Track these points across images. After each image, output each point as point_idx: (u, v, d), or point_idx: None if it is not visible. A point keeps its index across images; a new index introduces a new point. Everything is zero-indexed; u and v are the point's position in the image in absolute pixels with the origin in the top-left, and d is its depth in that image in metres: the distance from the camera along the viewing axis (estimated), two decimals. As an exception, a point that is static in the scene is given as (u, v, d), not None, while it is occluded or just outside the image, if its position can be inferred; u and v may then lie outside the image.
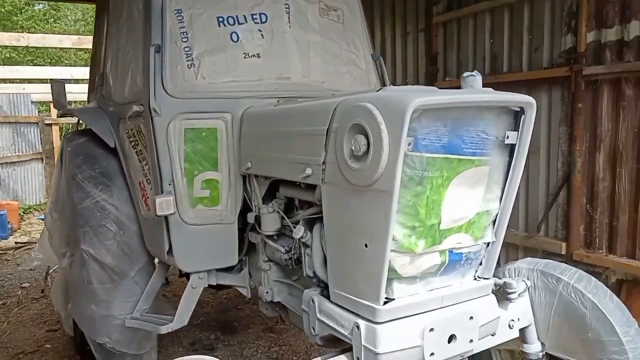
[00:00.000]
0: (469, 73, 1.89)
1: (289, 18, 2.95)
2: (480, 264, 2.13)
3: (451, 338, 1.94)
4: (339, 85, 3.03)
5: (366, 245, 1.85)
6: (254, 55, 2.85)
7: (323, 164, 2.02)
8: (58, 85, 3.82)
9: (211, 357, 1.81)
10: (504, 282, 2.41)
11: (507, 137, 1.94)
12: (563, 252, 3.93)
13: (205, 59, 2.76)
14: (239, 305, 4.94)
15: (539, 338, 2.53)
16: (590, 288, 2.39)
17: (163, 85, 2.66)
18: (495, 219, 2.08)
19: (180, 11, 2.73)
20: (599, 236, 3.79)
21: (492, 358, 2.84)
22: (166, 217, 2.77)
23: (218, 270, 3.04)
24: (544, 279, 2.49)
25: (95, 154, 3.30)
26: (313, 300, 2.19)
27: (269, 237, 2.68)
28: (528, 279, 2.53)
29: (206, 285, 3.01)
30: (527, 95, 1.92)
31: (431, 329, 1.88)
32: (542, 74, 3.94)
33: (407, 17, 5.34)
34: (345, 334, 1.97)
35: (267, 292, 2.86)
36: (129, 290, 3.14)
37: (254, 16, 2.86)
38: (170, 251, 2.83)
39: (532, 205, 4.26)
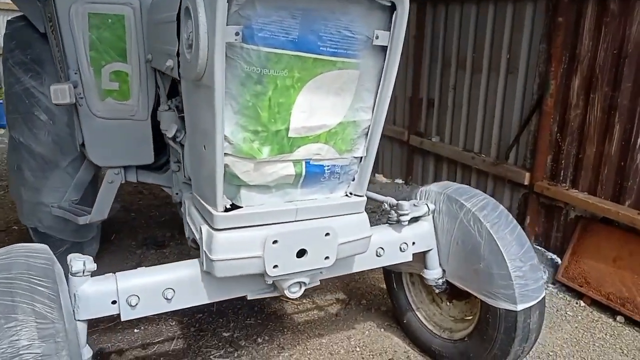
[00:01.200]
0: None
1: None
2: (353, 179, 1.96)
3: (302, 252, 1.83)
4: None
5: (205, 148, 1.72)
6: None
7: (177, 54, 1.84)
8: None
9: (36, 245, 1.78)
10: (397, 204, 2.26)
11: (377, 37, 1.69)
12: (526, 183, 3.68)
13: None
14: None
15: (440, 264, 2.40)
16: (491, 217, 2.21)
17: None
18: (368, 132, 1.88)
19: None
20: (564, 168, 3.49)
21: (402, 280, 2.76)
22: (76, 109, 2.69)
23: (140, 168, 3.00)
24: (449, 204, 2.32)
25: (31, 38, 3.18)
26: (184, 203, 2.11)
27: (170, 136, 2.57)
28: (434, 203, 2.36)
29: (123, 182, 2.98)
30: None
31: (274, 241, 1.77)
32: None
33: None
34: (197, 238, 1.90)
35: (176, 193, 2.81)
36: (60, 180, 3.15)
37: None
38: (83, 144, 2.79)
39: (505, 130, 3.96)
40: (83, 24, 2.54)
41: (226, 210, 1.75)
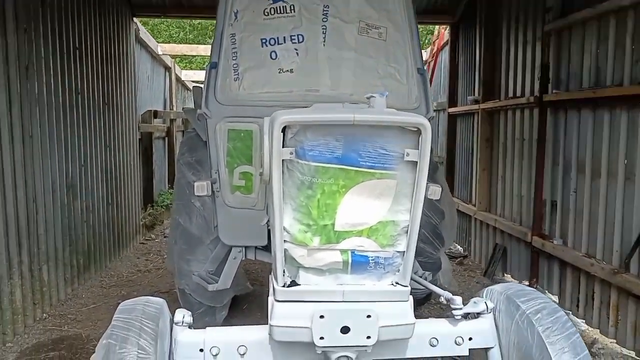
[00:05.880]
0: (371, 94, 2.08)
1: (324, 38, 3.32)
2: (399, 271, 2.24)
3: (346, 329, 2.14)
4: None
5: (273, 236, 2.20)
6: (287, 71, 3.31)
7: None
8: (198, 90, 4.86)
9: (156, 298, 2.37)
10: (450, 298, 2.44)
11: (408, 155, 2.04)
12: (644, 295, 3.41)
13: (247, 73, 3.33)
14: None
15: (503, 361, 2.45)
16: (544, 322, 2.28)
17: (215, 94, 3.33)
18: (408, 230, 2.17)
19: (234, 35, 3.36)
20: (688, 283, 3.19)
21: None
22: (214, 200, 3.45)
23: (259, 248, 3.61)
24: (507, 305, 2.44)
25: (197, 145, 4.11)
26: None
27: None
28: (495, 303, 2.48)
29: (244, 259, 3.61)
30: (420, 117, 2.00)
31: (321, 316, 2.12)
32: (626, 91, 3.45)
33: (528, 25, 5.05)
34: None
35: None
36: (203, 254, 3.90)
37: (292, 37, 3.31)
38: (216, 226, 3.52)
39: (626, 238, 3.74)
40: (224, 137, 3.34)
41: (287, 286, 2.19)
